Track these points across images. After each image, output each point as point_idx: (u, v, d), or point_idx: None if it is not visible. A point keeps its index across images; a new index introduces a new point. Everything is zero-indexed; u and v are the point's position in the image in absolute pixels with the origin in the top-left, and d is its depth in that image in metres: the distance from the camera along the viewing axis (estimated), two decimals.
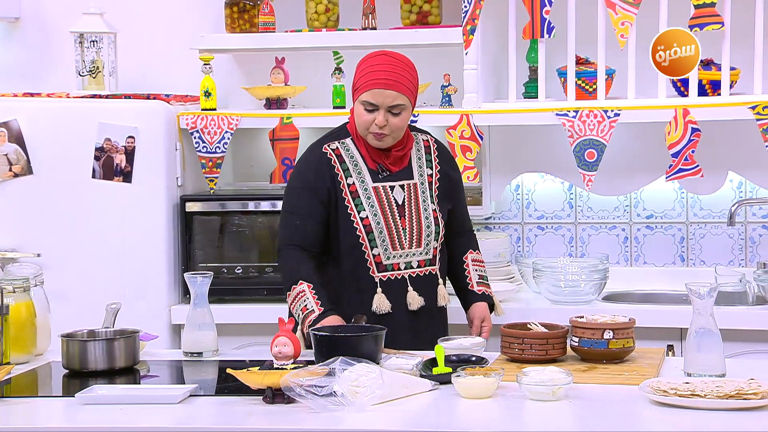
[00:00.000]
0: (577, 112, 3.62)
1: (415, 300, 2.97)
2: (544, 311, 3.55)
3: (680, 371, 2.56)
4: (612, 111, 3.60)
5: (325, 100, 3.94)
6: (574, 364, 2.65)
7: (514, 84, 3.73)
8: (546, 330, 2.72)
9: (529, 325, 2.76)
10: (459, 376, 2.42)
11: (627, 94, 3.65)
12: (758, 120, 3.46)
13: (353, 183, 2.95)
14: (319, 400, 2.29)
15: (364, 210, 2.93)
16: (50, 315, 2.98)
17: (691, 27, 3.51)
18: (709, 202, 3.94)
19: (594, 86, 3.69)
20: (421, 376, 2.54)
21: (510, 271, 3.89)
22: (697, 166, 3.56)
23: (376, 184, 2.97)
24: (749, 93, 3.55)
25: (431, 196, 3.03)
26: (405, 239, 2.97)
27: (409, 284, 2.98)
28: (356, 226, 2.93)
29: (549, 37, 3.64)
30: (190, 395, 2.46)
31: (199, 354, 2.89)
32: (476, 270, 3.15)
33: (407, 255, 2.98)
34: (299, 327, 2.85)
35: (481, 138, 3.74)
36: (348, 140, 3.01)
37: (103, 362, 2.71)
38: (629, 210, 4.04)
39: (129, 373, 2.74)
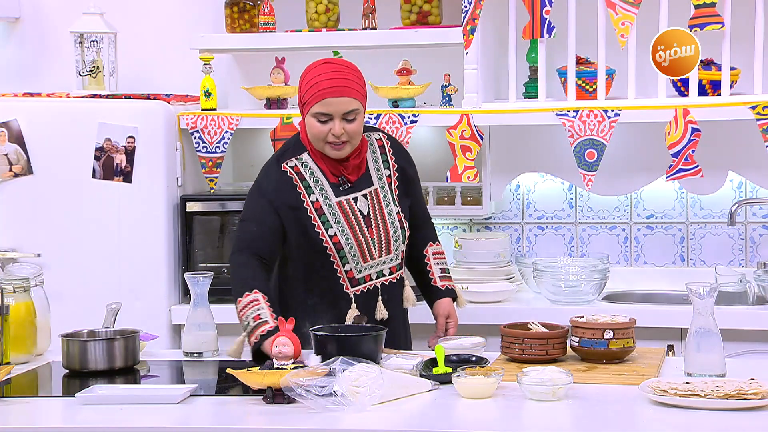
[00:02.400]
0: (577, 112, 3.62)
1: (380, 312, 2.93)
2: (544, 311, 3.55)
3: (680, 371, 2.56)
4: (612, 111, 3.60)
5: None
6: (575, 364, 2.65)
7: (514, 84, 3.73)
8: (546, 330, 2.73)
9: (529, 325, 2.76)
10: (459, 376, 2.42)
11: (627, 94, 3.65)
12: (758, 120, 3.46)
13: (317, 200, 2.89)
14: (319, 400, 2.29)
15: (332, 227, 2.88)
16: (50, 315, 2.98)
17: (691, 27, 3.51)
18: (709, 202, 3.94)
19: (594, 86, 3.69)
20: (422, 376, 2.54)
21: (510, 271, 3.90)
22: (697, 166, 3.56)
23: (339, 199, 2.91)
24: (749, 93, 3.55)
25: (393, 198, 2.98)
26: (374, 249, 2.92)
27: (380, 293, 2.94)
28: (326, 245, 2.87)
29: (549, 37, 3.64)
30: (190, 395, 2.46)
31: (200, 354, 2.89)
32: (438, 263, 3.10)
33: (378, 264, 2.94)
34: (245, 335, 2.74)
35: (482, 138, 3.74)
36: (305, 155, 2.93)
37: (103, 362, 2.72)
38: (629, 210, 4.04)
39: (129, 373, 2.74)
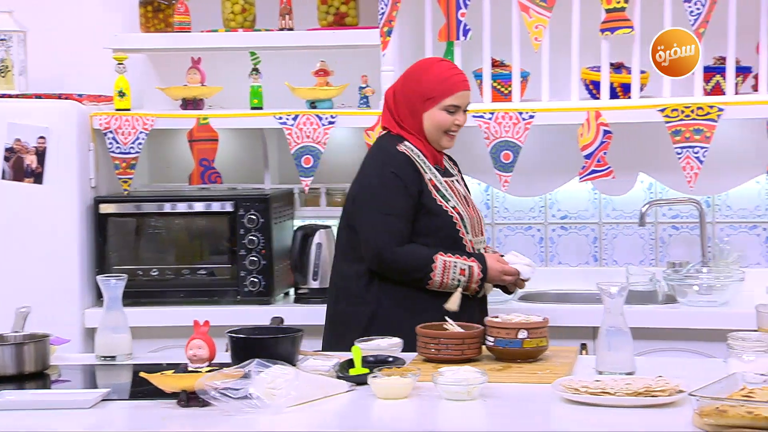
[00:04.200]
0: (492, 114, 3.66)
1: (489, 287, 3.11)
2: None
3: (592, 369, 2.60)
4: (527, 113, 3.65)
5: (243, 100, 3.91)
6: (490, 363, 2.68)
7: None
8: (462, 330, 2.75)
9: (445, 326, 2.78)
10: (375, 376, 2.43)
11: (541, 97, 3.70)
12: (667, 122, 3.54)
13: (431, 178, 3.04)
14: (235, 403, 2.27)
15: (450, 201, 3.04)
16: None
17: (602, 30, 3.58)
18: (620, 203, 4.02)
19: (509, 88, 3.73)
20: (338, 377, 2.54)
21: None
22: (609, 167, 3.63)
23: (444, 178, 3.08)
24: (658, 96, 3.63)
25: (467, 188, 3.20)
26: (476, 227, 3.11)
27: None
28: (450, 214, 3.02)
29: (465, 39, 3.67)
30: (103, 400, 2.42)
31: (113, 358, 2.84)
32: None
33: (481, 242, 3.13)
34: (460, 290, 2.95)
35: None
36: (407, 142, 3.06)
37: (12, 367, 2.65)
38: (544, 211, 4.10)
39: (39, 377, 2.68)
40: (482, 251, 3.11)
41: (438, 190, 3.03)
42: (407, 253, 2.97)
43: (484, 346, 2.73)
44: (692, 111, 3.51)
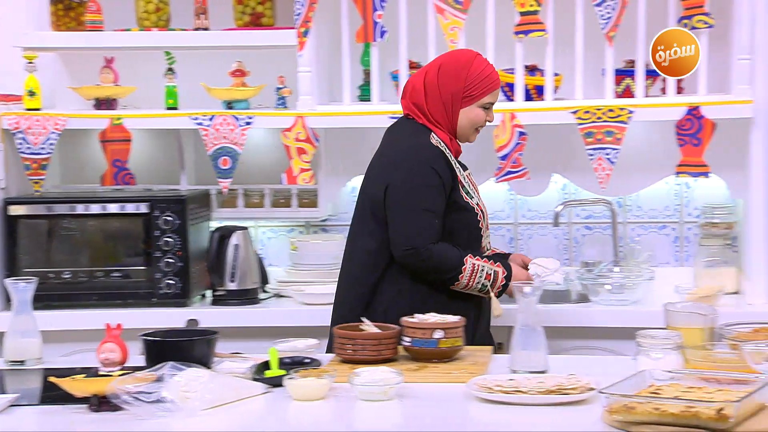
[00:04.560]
0: None
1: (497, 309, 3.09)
2: None
3: (507, 369, 2.63)
4: None
5: (158, 101, 3.86)
6: (406, 363, 2.69)
7: (348, 87, 3.76)
8: (378, 331, 2.76)
9: (361, 326, 2.78)
10: (291, 378, 2.42)
11: None
12: (579, 124, 3.60)
13: (458, 174, 3.04)
14: (147, 407, 2.24)
15: (473, 197, 3.06)
16: None
17: (516, 33, 3.62)
18: (535, 204, 4.07)
19: None
20: (254, 379, 2.52)
21: None
22: (524, 168, 3.68)
23: (464, 173, 3.10)
24: (571, 98, 3.68)
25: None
26: (487, 223, 3.14)
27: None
28: (476, 211, 3.04)
29: (382, 40, 3.68)
30: (11, 405, 2.36)
31: (22, 362, 2.78)
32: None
33: (488, 237, 3.15)
34: (491, 291, 2.99)
35: (317, 140, 3.75)
36: (434, 135, 3.04)
37: None
38: None
39: None
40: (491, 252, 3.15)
41: (463, 186, 3.04)
42: (441, 252, 2.96)
43: (401, 347, 2.75)
44: (604, 113, 3.57)
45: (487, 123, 3.10)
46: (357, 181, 4.12)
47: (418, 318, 2.77)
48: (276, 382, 2.49)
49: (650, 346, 2.50)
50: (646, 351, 2.50)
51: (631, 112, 3.56)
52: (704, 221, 3.85)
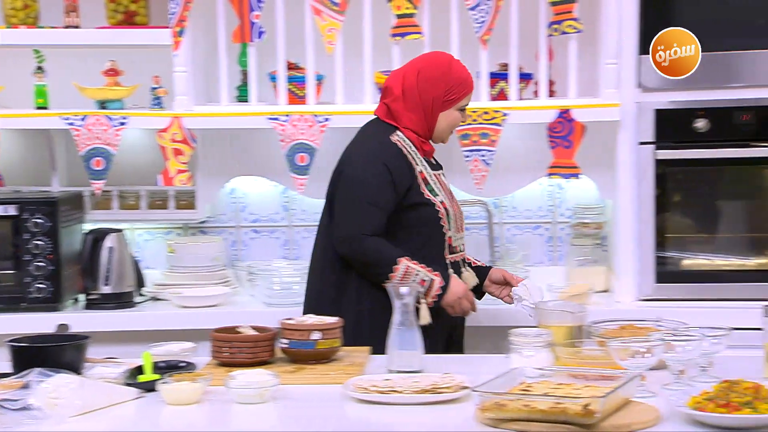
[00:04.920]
0: (288, 116, 3.67)
1: (470, 280, 3.11)
2: (259, 314, 3.55)
3: (384, 369, 2.65)
4: (322, 116, 3.68)
5: (26, 100, 3.75)
6: (284, 365, 2.68)
7: (226, 87, 3.73)
8: (256, 333, 2.74)
9: (238, 329, 2.76)
10: (165, 382, 2.39)
11: (336, 100, 3.74)
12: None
13: (422, 171, 3.04)
14: (13, 415, 2.18)
15: (437, 195, 3.04)
16: None
17: (393, 35, 3.65)
18: None
19: (304, 91, 3.75)
20: (127, 384, 2.48)
21: (225, 275, 3.89)
22: None
23: (433, 172, 3.09)
24: None
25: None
26: (459, 223, 3.12)
27: (461, 266, 3.11)
28: (438, 209, 3.02)
29: (259, 41, 3.66)
30: None
31: None
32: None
33: (461, 238, 3.13)
34: (424, 300, 2.94)
35: (194, 141, 3.71)
36: (399, 132, 3.06)
37: None
38: None
39: None
40: (469, 263, 3.15)
41: (427, 183, 3.04)
42: (375, 246, 2.97)
43: (278, 348, 2.74)
44: (479, 116, 3.63)
45: (462, 122, 3.17)
46: (235, 183, 4.09)
47: (296, 320, 2.77)
48: (149, 387, 2.45)
49: (522, 344, 2.56)
50: (518, 349, 2.56)
51: (505, 114, 3.63)
52: (576, 221, 3.95)
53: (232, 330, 2.75)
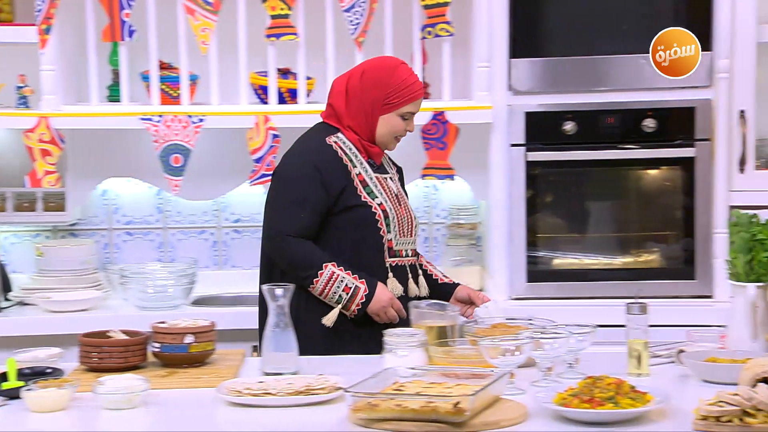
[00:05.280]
0: (161, 116, 3.61)
1: (423, 288, 3.05)
2: (131, 318, 3.50)
3: (259, 371, 2.63)
4: (196, 117, 3.64)
5: None
6: (156, 369, 2.64)
7: (96, 87, 3.65)
8: (126, 337, 2.69)
9: (108, 333, 2.71)
10: (30, 389, 2.32)
11: (211, 100, 3.70)
12: None
13: (360, 173, 2.98)
14: None
15: (377, 197, 2.97)
16: None
17: (268, 36, 3.63)
18: None
19: (178, 91, 3.70)
20: None
21: (97, 279, 3.81)
22: None
23: (376, 174, 3.02)
24: (324, 101, 3.70)
25: (404, 190, 3.13)
26: (406, 228, 3.04)
27: (408, 272, 3.03)
28: (374, 211, 2.95)
29: (130, 40, 3.59)
30: None
31: None
32: (434, 268, 3.20)
33: (407, 243, 3.05)
34: (340, 308, 2.90)
35: (63, 141, 3.62)
36: (340, 134, 3.01)
37: None
38: (218, 214, 4.10)
39: None
40: (426, 270, 3.10)
41: (366, 185, 2.98)
42: (300, 248, 2.91)
43: (151, 353, 2.69)
44: None
45: (407, 132, 3.04)
46: (107, 184, 4.01)
47: (169, 323, 2.73)
48: (13, 394, 2.38)
49: (396, 344, 2.58)
50: (392, 349, 2.57)
51: None
52: (451, 222, 4.01)
53: (101, 335, 2.70)
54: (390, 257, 3.01)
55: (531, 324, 2.72)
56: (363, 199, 2.98)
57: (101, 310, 3.64)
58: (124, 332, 2.71)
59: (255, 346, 3.46)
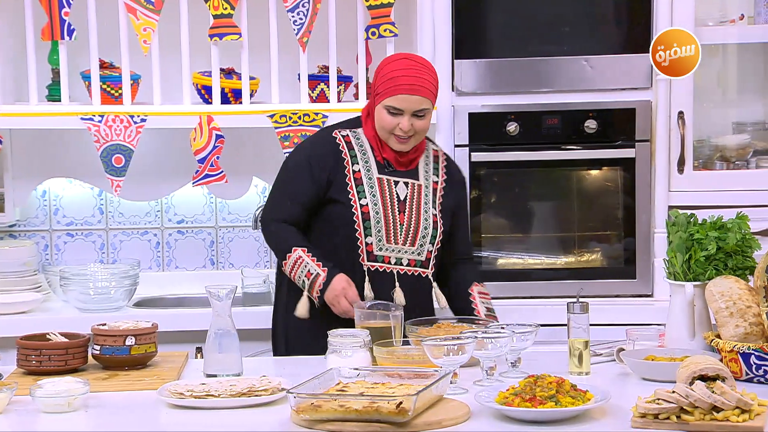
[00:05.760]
0: (102, 116, 3.57)
1: (399, 297, 2.97)
2: (72, 320, 3.46)
3: (202, 373, 2.62)
4: (138, 116, 3.60)
5: None
6: (96, 372, 2.62)
7: (35, 86, 3.60)
8: (66, 340, 2.66)
9: (48, 336, 2.67)
10: None
11: (153, 100, 3.67)
12: (276, 128, 3.64)
13: (359, 170, 2.98)
14: None
15: (365, 197, 2.96)
16: None
17: (211, 36, 3.61)
18: (236, 207, 4.07)
19: (120, 91, 3.66)
20: None
21: (37, 280, 3.75)
22: (222, 171, 3.67)
23: (380, 176, 3.00)
24: (268, 102, 3.72)
25: (434, 201, 3.04)
26: (400, 235, 2.98)
27: (396, 280, 2.98)
28: (354, 212, 2.95)
29: (70, 39, 3.55)
30: None
31: None
32: (483, 303, 3.09)
33: (399, 251, 2.99)
34: (307, 293, 2.95)
35: (1, 142, 3.56)
36: (360, 130, 3.04)
37: None
38: (161, 215, 4.06)
39: None
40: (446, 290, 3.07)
41: (359, 183, 2.96)
42: (278, 231, 3.02)
43: (91, 355, 2.67)
44: (299, 117, 3.64)
45: (402, 132, 2.94)
46: (48, 185, 3.96)
47: (110, 325, 2.70)
48: None
49: (340, 344, 2.58)
50: (336, 349, 2.57)
51: (325, 116, 3.65)
52: None
53: (40, 337, 2.66)
54: (369, 261, 3.00)
55: (474, 324, 2.74)
56: (349, 196, 3.00)
57: (41, 312, 3.59)
58: (64, 335, 2.68)
59: (198, 348, 3.44)
